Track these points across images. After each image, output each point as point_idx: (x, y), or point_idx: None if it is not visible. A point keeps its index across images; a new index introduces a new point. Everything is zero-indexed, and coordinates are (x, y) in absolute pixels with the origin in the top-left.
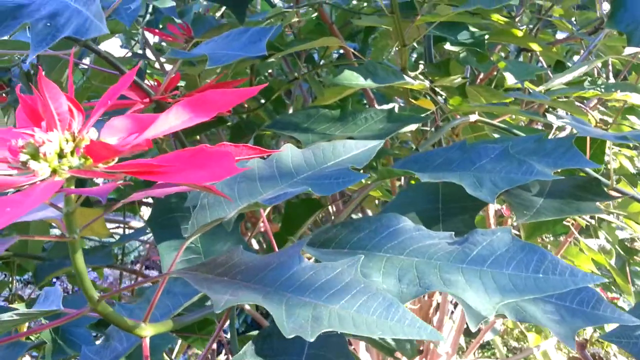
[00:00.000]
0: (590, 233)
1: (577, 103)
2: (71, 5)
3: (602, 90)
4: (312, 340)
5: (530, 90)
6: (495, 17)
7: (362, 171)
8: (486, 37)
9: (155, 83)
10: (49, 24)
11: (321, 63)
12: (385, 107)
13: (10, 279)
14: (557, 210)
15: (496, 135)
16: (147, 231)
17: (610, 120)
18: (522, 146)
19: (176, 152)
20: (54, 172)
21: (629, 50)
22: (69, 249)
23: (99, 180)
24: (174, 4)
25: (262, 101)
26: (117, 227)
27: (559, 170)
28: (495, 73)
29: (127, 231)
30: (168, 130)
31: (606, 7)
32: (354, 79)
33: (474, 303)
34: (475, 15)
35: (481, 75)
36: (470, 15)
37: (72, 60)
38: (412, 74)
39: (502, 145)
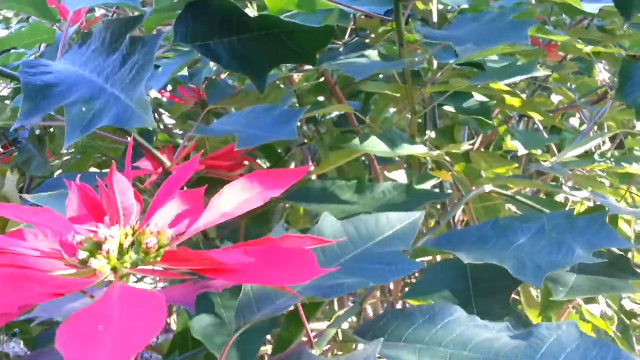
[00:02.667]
0: (592, 299)
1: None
2: (107, 89)
3: (613, 163)
4: None
5: (549, 164)
6: (497, 86)
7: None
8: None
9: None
10: (84, 109)
11: (321, 120)
12: (395, 173)
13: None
14: (592, 288)
15: (509, 206)
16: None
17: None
18: (555, 223)
19: (242, 247)
20: (114, 269)
21: None
22: None
23: None
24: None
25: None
26: None
27: None
28: (493, 137)
29: None
30: (220, 219)
31: (606, 75)
32: (375, 146)
33: None
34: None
35: (480, 137)
36: (475, 85)
37: (130, 149)
38: (418, 140)
39: (537, 224)
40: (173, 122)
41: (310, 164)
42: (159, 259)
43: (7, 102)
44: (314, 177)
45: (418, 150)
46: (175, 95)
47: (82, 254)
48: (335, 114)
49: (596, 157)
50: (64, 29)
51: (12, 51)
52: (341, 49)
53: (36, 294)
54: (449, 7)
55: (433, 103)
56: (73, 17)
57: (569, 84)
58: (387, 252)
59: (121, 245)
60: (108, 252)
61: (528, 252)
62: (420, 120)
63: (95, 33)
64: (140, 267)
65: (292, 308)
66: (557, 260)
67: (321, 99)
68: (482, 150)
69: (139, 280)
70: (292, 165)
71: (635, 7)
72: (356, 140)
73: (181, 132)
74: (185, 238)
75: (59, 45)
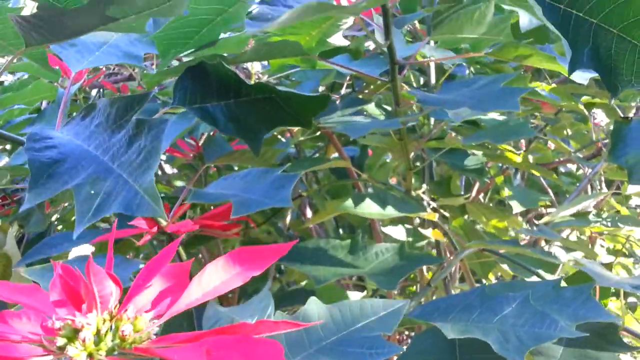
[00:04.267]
0: None
1: None
2: (114, 170)
3: (608, 224)
4: None
5: (540, 226)
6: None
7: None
8: (487, 163)
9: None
10: (92, 192)
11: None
12: (393, 233)
13: None
14: None
15: (504, 266)
16: None
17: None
18: (541, 292)
19: (218, 334)
20: (90, 355)
21: (632, 188)
22: None
23: None
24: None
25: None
26: None
27: None
28: (491, 184)
29: None
30: (202, 299)
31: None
32: (366, 208)
33: None
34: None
35: (477, 185)
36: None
37: (113, 234)
38: (414, 193)
39: (522, 294)
40: (172, 170)
41: (308, 209)
42: (134, 344)
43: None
44: (311, 226)
45: (410, 211)
46: (174, 148)
47: (60, 341)
48: (333, 155)
49: (591, 217)
50: (66, 85)
51: (15, 107)
52: (337, 102)
53: None
54: None
55: (429, 157)
56: (75, 75)
57: (565, 131)
58: (368, 336)
59: (98, 331)
60: (84, 340)
61: (512, 325)
62: (418, 164)
63: (99, 106)
64: (115, 354)
65: None
66: (540, 333)
67: (320, 143)
68: (480, 198)
69: None
70: (289, 216)
71: (621, 82)
72: (349, 202)
73: (181, 184)
74: (165, 319)
75: (60, 102)
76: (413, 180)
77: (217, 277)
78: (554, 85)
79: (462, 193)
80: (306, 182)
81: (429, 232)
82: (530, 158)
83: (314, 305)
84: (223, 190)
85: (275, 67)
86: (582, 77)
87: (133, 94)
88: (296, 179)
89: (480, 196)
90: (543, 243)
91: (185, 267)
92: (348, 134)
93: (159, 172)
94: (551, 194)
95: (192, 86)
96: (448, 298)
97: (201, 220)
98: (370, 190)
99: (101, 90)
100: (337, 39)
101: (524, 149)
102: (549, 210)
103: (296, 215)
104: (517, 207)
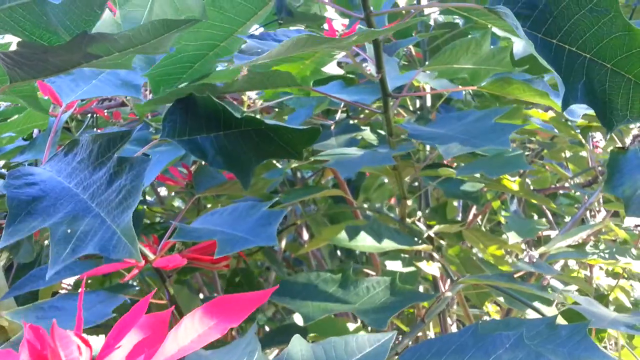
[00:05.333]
0: None
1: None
2: (92, 208)
3: (606, 255)
4: None
5: (537, 260)
6: None
7: None
8: (483, 188)
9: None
10: (69, 231)
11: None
12: (388, 264)
13: None
14: None
15: (501, 299)
16: None
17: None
18: (535, 330)
19: None
20: None
21: (629, 220)
22: None
23: None
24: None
25: None
26: None
27: None
28: (487, 209)
29: None
30: (178, 354)
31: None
32: (361, 241)
33: None
34: None
35: (474, 209)
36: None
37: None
38: (409, 220)
39: (515, 333)
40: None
41: (304, 230)
42: None
43: None
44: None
45: (405, 243)
46: (165, 176)
47: None
48: (330, 177)
49: (588, 248)
50: (58, 112)
51: (4, 135)
52: (332, 128)
53: None
54: None
55: (424, 183)
56: (67, 105)
57: (563, 154)
58: None
59: None
60: None
61: None
62: (417, 184)
63: (82, 142)
64: None
65: None
66: None
67: (317, 166)
68: (478, 221)
69: None
70: (284, 241)
71: (616, 117)
72: (343, 234)
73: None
74: None
75: (50, 131)
76: (410, 202)
77: (193, 330)
78: (551, 114)
79: (460, 215)
80: (302, 205)
81: (424, 264)
82: (528, 181)
83: (297, 345)
84: (209, 226)
85: (269, 95)
86: (575, 114)
87: (115, 132)
88: (282, 215)
89: (478, 218)
90: None
91: (164, 317)
92: (339, 170)
93: (148, 198)
94: (549, 215)
95: (180, 118)
96: (441, 339)
97: (190, 254)
98: (368, 212)
99: (94, 116)
100: (332, 68)
101: (521, 171)
102: (546, 233)
103: (292, 237)
104: (514, 238)
